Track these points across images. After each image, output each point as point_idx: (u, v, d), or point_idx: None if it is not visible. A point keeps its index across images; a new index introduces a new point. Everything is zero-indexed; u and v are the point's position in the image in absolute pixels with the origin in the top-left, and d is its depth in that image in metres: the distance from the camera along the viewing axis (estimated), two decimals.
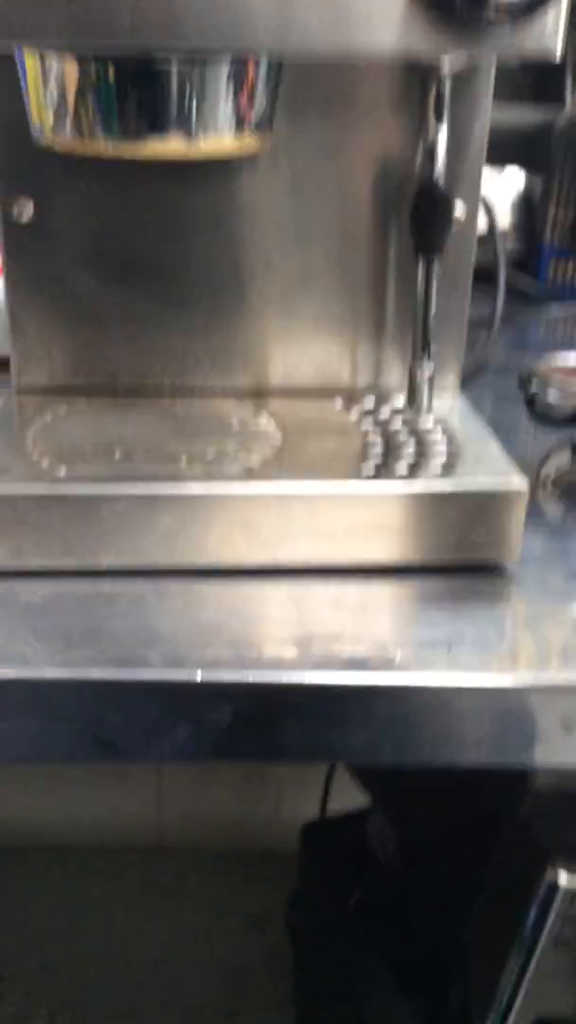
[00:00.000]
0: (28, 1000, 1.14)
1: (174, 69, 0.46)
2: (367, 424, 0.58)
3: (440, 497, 0.50)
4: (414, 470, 0.52)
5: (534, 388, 0.60)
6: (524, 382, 0.60)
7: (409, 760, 0.45)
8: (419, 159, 0.54)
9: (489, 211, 0.78)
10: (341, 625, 0.46)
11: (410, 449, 0.54)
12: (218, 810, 1.30)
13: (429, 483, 0.50)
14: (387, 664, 0.44)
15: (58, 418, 0.57)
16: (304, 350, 0.60)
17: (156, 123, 0.47)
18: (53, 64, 0.47)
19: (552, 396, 0.59)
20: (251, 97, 0.49)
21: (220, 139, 0.49)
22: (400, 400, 0.60)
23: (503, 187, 0.97)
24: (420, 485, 0.50)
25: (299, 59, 0.51)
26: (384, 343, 0.60)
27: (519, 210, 0.98)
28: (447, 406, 0.60)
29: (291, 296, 0.59)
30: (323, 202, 0.57)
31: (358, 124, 0.55)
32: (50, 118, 0.49)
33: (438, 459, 0.53)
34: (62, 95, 0.48)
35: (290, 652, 0.44)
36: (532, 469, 0.56)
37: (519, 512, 0.50)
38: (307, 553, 0.50)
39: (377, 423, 0.58)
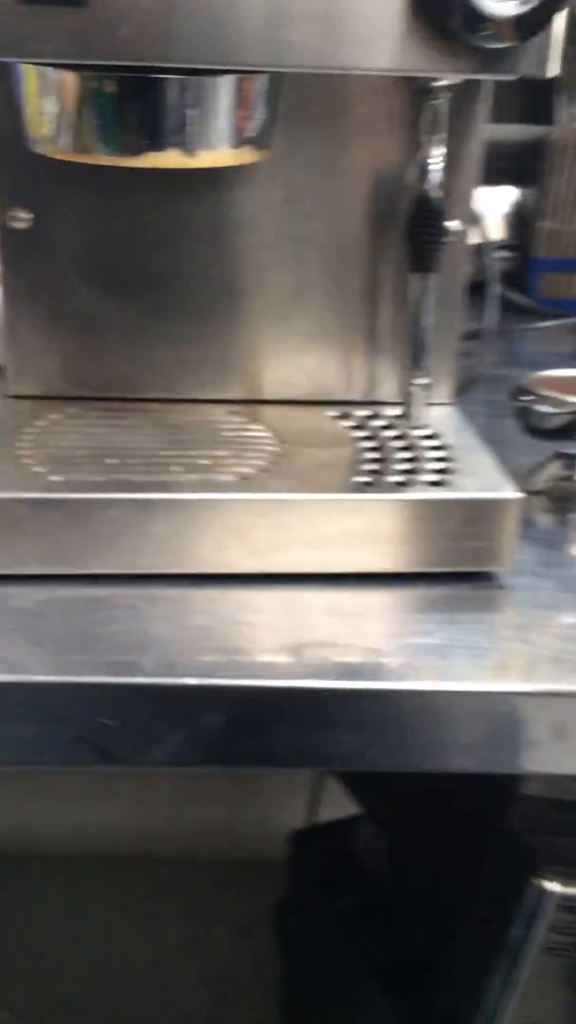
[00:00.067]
0: (15, 1007, 1.13)
1: (173, 85, 0.46)
2: (361, 434, 0.58)
3: (433, 506, 0.50)
4: (407, 480, 0.52)
5: (526, 400, 0.60)
6: (516, 394, 0.61)
7: (400, 766, 0.45)
8: (414, 174, 0.55)
9: (481, 225, 0.79)
10: (334, 632, 0.47)
11: (403, 459, 0.55)
12: (205, 819, 1.30)
13: (422, 492, 0.51)
14: (379, 671, 0.44)
15: (52, 425, 0.57)
16: (298, 361, 0.61)
17: (155, 137, 0.47)
18: (50, 77, 0.47)
19: (543, 408, 0.59)
20: (250, 112, 0.49)
21: (218, 154, 0.49)
22: (394, 411, 0.61)
23: (495, 201, 0.98)
24: (413, 494, 0.51)
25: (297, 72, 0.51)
26: (378, 355, 0.61)
27: (511, 224, 0.99)
28: (440, 417, 0.60)
29: (286, 308, 0.59)
30: (318, 215, 0.57)
31: (354, 139, 0.56)
32: (46, 130, 0.49)
33: (431, 469, 0.53)
34: (59, 108, 0.48)
35: (283, 659, 0.45)
36: (524, 480, 0.56)
37: (512, 522, 0.51)
38: (300, 560, 0.50)
39: (371, 433, 0.58)
